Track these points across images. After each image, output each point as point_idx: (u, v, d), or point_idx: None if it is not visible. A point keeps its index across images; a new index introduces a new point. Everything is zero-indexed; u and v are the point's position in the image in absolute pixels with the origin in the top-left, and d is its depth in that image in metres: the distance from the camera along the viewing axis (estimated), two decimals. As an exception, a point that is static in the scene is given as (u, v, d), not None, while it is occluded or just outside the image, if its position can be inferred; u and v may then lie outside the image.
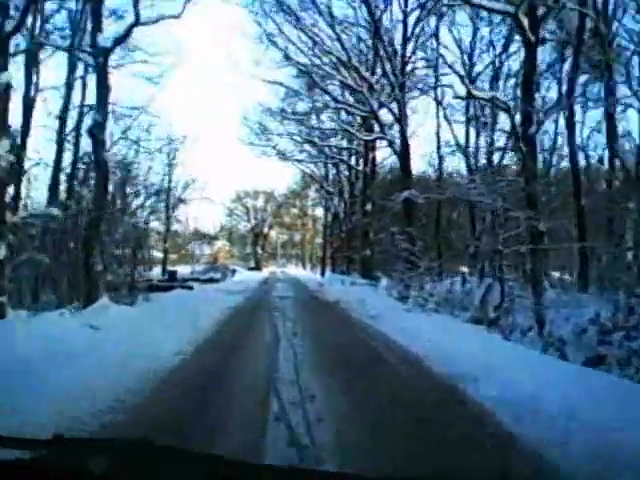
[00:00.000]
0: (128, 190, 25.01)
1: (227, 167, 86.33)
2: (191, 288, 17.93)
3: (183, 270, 31.46)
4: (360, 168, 28.14)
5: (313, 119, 29.51)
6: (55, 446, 1.25)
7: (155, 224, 35.03)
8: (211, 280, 24.16)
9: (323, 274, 42.55)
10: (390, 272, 20.13)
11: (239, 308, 14.04)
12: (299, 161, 32.52)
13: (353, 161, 30.03)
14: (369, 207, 24.22)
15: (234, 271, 38.63)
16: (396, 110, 19.14)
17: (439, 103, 24.64)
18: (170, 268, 21.51)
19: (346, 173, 34.33)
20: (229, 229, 66.73)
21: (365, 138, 22.02)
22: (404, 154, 19.16)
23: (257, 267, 58.14)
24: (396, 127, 20.43)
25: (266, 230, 66.69)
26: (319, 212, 55.12)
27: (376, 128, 23.53)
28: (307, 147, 34.17)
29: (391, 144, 19.76)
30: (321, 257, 49.06)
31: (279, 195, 61.32)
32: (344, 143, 32.16)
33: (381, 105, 19.87)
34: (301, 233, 69.37)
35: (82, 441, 1.67)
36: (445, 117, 25.81)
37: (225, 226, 65.67)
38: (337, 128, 24.14)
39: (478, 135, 26.33)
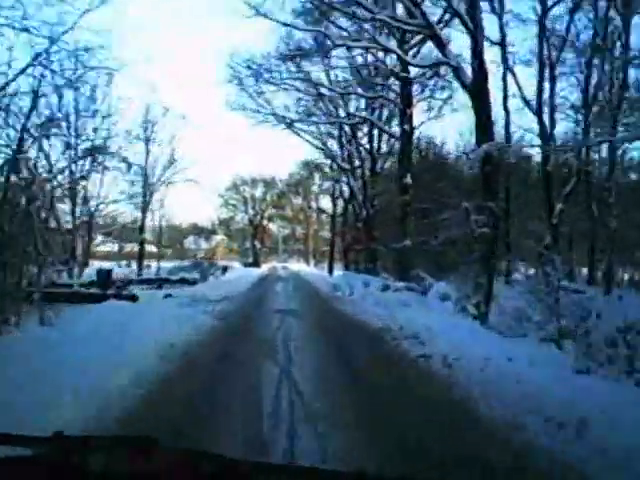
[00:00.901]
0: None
1: (224, 156, 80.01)
2: (133, 299, 10.77)
3: (152, 268, 24.44)
4: (386, 128, 21.01)
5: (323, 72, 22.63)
6: (55, 443, 1.19)
7: (121, 208, 28.58)
8: (183, 281, 17.05)
9: (331, 272, 35.53)
10: (454, 272, 13.00)
11: (188, 356, 6.49)
12: (310, 126, 25.44)
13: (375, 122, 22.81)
14: (409, 180, 16.89)
15: (225, 268, 31.43)
16: (468, 21, 11.91)
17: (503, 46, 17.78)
18: (108, 265, 14.22)
19: (367, 146, 27.30)
20: (226, 220, 59.83)
21: (417, 64, 14.57)
22: (479, 86, 11.95)
23: (255, 263, 50.79)
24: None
25: (266, 222, 59.90)
26: (324, 203, 47.96)
27: (417, 57, 16.20)
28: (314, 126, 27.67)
29: (457, 73, 12.49)
30: (329, 252, 41.66)
31: (280, 180, 54.21)
32: (362, 103, 25.25)
33: (448, 8, 12.44)
34: (304, 226, 62.53)
35: (82, 438, 1.40)
36: (507, 66, 19.02)
37: (222, 218, 58.93)
38: (373, 48, 16.37)
39: (553, 87, 19.47)
